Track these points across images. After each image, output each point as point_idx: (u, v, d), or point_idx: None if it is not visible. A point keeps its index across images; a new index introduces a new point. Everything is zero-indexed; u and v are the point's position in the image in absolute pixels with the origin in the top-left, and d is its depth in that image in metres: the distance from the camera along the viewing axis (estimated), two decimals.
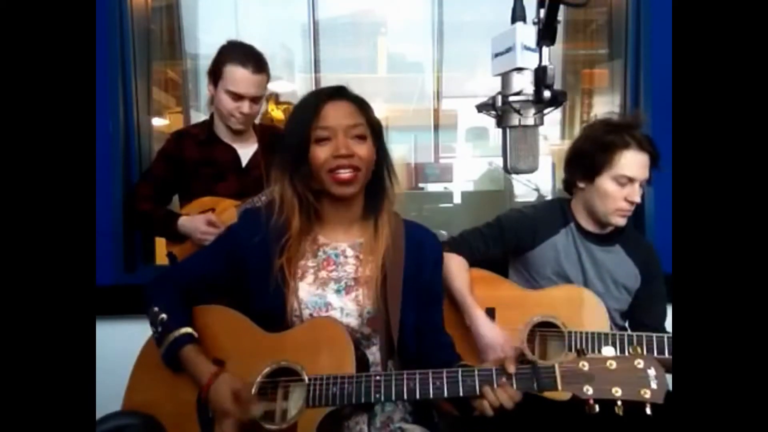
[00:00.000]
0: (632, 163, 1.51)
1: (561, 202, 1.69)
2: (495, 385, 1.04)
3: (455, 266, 1.59)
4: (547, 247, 1.61)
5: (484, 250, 1.64)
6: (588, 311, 1.53)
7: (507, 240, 1.64)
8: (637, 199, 1.52)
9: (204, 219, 1.74)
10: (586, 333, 1.49)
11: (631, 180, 1.51)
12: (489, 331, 1.51)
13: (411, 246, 1.24)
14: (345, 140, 1.15)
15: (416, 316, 1.22)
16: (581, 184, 1.60)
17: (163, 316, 1.17)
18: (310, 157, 1.16)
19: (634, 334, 1.47)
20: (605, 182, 1.53)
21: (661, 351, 1.41)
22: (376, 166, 1.21)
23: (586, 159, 1.57)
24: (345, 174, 1.14)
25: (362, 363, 1.14)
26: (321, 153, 1.15)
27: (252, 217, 1.25)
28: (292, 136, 1.19)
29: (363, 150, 1.16)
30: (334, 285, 1.20)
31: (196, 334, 1.17)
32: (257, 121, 1.97)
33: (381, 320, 1.18)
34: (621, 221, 1.56)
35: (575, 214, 1.64)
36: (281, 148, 1.23)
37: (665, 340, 1.42)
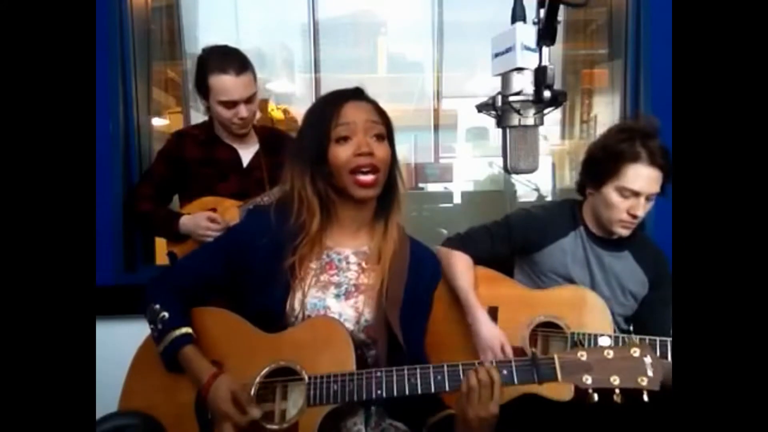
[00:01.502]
0: (638, 177, 1.47)
1: (572, 204, 1.67)
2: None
3: (460, 264, 1.59)
4: (554, 249, 1.60)
5: (490, 249, 1.63)
6: (591, 312, 1.53)
7: (514, 240, 1.63)
8: (640, 213, 1.49)
9: (206, 216, 1.74)
10: (589, 334, 1.49)
11: (635, 194, 1.48)
12: (489, 331, 1.51)
13: (413, 262, 1.24)
14: (365, 139, 1.15)
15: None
16: (589, 190, 1.59)
17: (164, 314, 1.17)
18: (330, 157, 1.15)
19: (637, 336, 1.47)
20: (609, 192, 1.51)
21: (663, 354, 1.41)
22: (389, 168, 1.21)
23: (595, 166, 1.55)
24: (367, 177, 1.14)
25: (361, 362, 1.14)
26: (342, 152, 1.14)
27: (258, 217, 1.24)
28: (310, 135, 1.19)
29: (382, 150, 1.16)
30: (334, 290, 1.20)
31: (194, 335, 1.17)
32: (256, 121, 1.96)
33: (381, 328, 1.17)
34: (623, 232, 1.54)
35: (585, 217, 1.63)
36: (299, 148, 1.21)
37: (668, 343, 1.41)
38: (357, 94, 1.21)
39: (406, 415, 1.22)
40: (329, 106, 1.17)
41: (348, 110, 1.16)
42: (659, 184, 1.49)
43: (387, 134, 1.20)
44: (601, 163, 1.53)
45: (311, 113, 1.22)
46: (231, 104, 1.77)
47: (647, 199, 1.50)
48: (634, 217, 1.50)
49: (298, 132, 1.26)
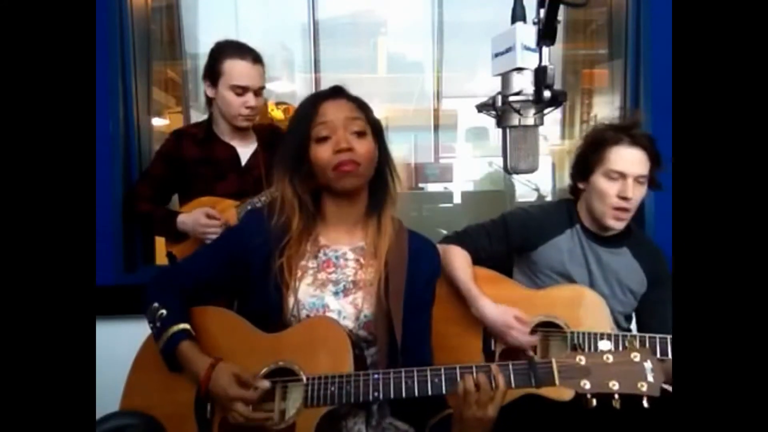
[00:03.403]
0: (622, 157, 1.50)
1: (568, 203, 1.68)
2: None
3: (458, 259, 1.58)
4: (551, 248, 1.60)
5: (488, 248, 1.63)
6: (591, 311, 1.53)
7: (511, 239, 1.63)
8: (629, 194, 1.49)
9: (204, 212, 1.74)
10: (588, 333, 1.48)
11: (622, 175, 1.50)
12: (497, 311, 1.50)
13: (411, 254, 1.24)
14: (344, 134, 1.15)
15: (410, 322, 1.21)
16: (581, 185, 1.60)
17: (163, 311, 1.17)
18: (311, 157, 1.16)
19: (637, 334, 1.47)
20: (598, 179, 1.53)
21: (664, 352, 1.40)
22: (378, 164, 1.21)
23: (582, 158, 1.59)
24: (346, 166, 1.14)
25: (360, 362, 1.14)
26: (323, 152, 1.15)
27: (255, 218, 1.25)
28: (291, 136, 1.20)
29: (362, 146, 1.16)
30: (332, 287, 1.20)
31: (192, 332, 1.17)
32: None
33: (381, 323, 1.17)
34: (616, 224, 1.54)
35: (581, 215, 1.63)
36: (282, 150, 1.23)
37: (668, 341, 1.41)
38: (336, 92, 1.21)
39: (408, 414, 1.22)
40: (309, 107, 1.19)
41: (327, 109, 1.17)
42: (646, 167, 1.51)
43: (372, 129, 1.20)
44: (587, 154, 1.57)
45: (294, 114, 1.24)
46: (242, 90, 1.79)
47: (637, 181, 1.51)
48: (625, 199, 1.50)
49: (283, 136, 1.28)
